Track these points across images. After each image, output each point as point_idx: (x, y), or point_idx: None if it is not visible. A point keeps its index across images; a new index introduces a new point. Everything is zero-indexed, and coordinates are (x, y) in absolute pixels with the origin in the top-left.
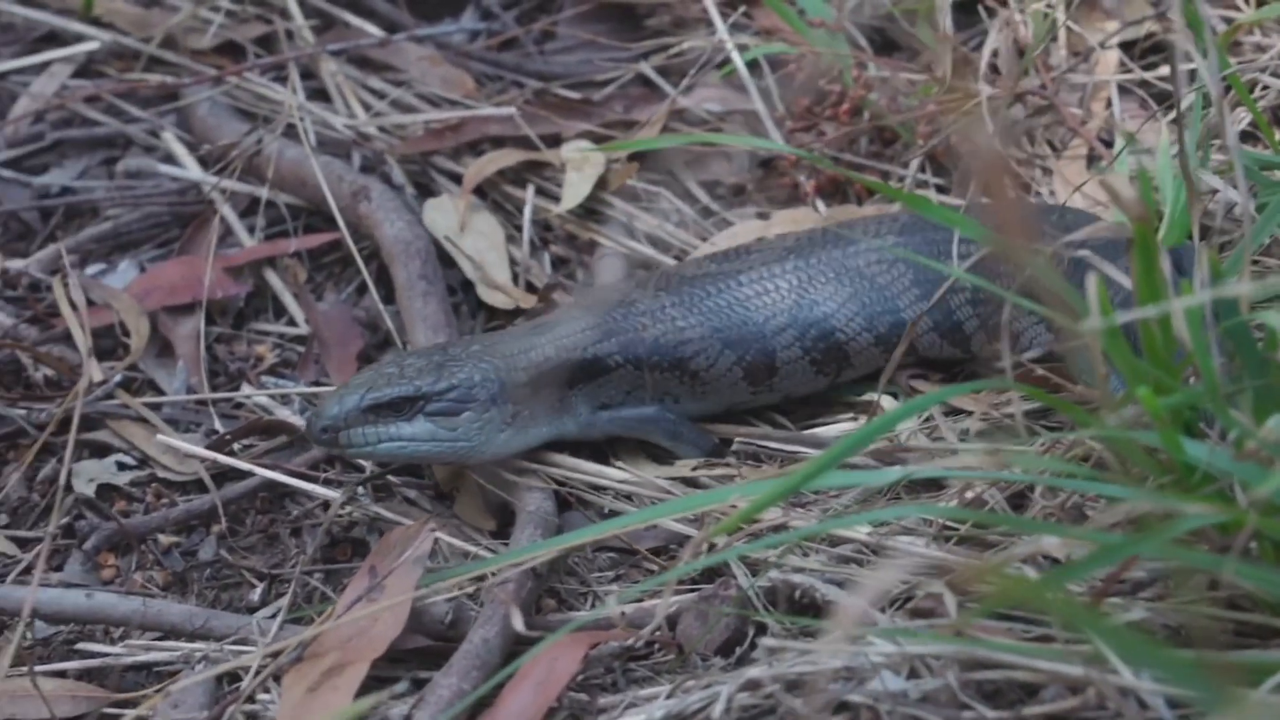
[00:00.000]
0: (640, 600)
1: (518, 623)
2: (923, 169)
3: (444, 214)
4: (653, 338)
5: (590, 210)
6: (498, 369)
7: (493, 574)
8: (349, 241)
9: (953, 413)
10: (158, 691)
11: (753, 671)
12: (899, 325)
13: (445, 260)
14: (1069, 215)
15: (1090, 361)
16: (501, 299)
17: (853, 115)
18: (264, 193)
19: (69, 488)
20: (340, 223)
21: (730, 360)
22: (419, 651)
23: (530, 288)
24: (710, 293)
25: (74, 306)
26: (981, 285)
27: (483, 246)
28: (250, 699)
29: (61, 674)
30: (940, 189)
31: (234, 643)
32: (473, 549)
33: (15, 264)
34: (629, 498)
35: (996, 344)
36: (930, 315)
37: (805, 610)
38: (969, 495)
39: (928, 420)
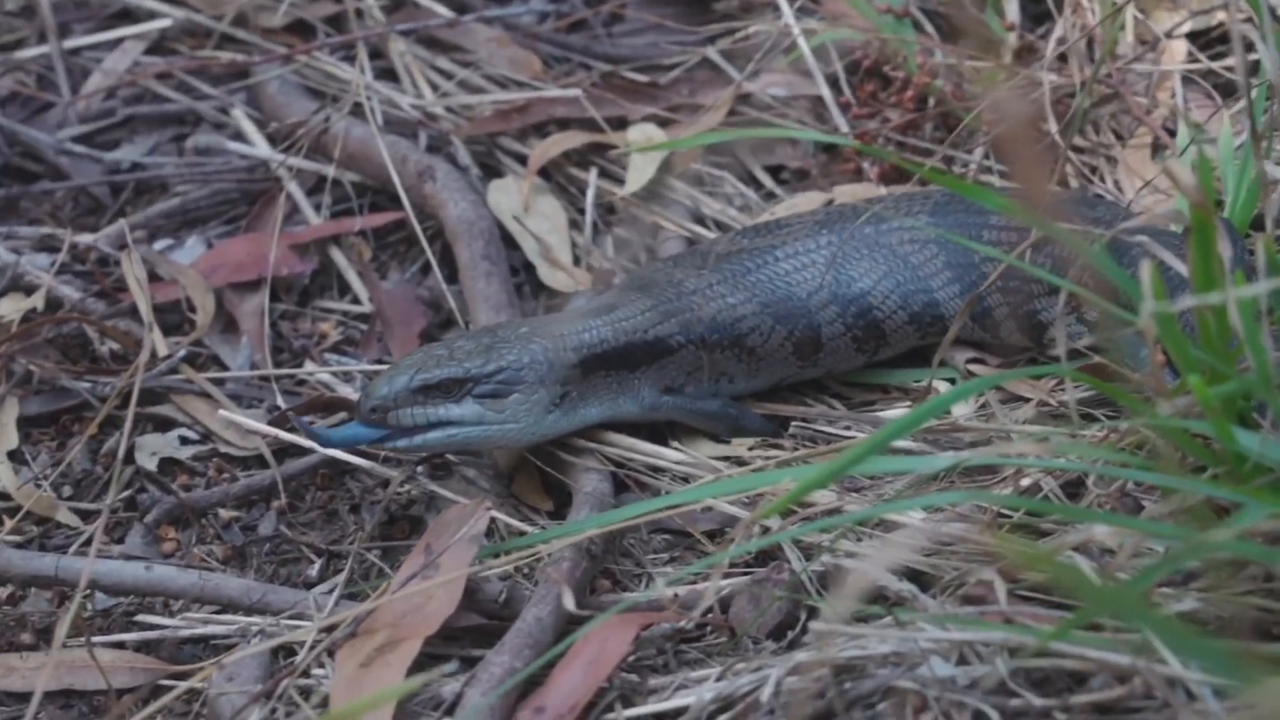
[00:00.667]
0: (694, 582)
1: (569, 602)
2: (986, 156)
3: (508, 195)
4: (709, 316)
5: (654, 193)
6: (546, 350)
7: (548, 554)
8: (413, 221)
9: (1011, 399)
10: (213, 664)
11: (801, 655)
12: (932, 305)
13: (508, 241)
14: (1100, 206)
15: (1143, 349)
16: (563, 280)
17: (917, 101)
18: (330, 171)
19: (132, 461)
20: (405, 202)
21: (781, 336)
22: (472, 629)
23: (593, 272)
24: (751, 268)
25: (140, 282)
26: (1026, 271)
27: (545, 229)
28: (305, 673)
29: (120, 645)
30: (1004, 175)
31: (290, 617)
32: (529, 529)
33: (84, 238)
34: (686, 479)
35: (1023, 332)
36: (961, 297)
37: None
38: (1024, 482)
39: (984, 407)
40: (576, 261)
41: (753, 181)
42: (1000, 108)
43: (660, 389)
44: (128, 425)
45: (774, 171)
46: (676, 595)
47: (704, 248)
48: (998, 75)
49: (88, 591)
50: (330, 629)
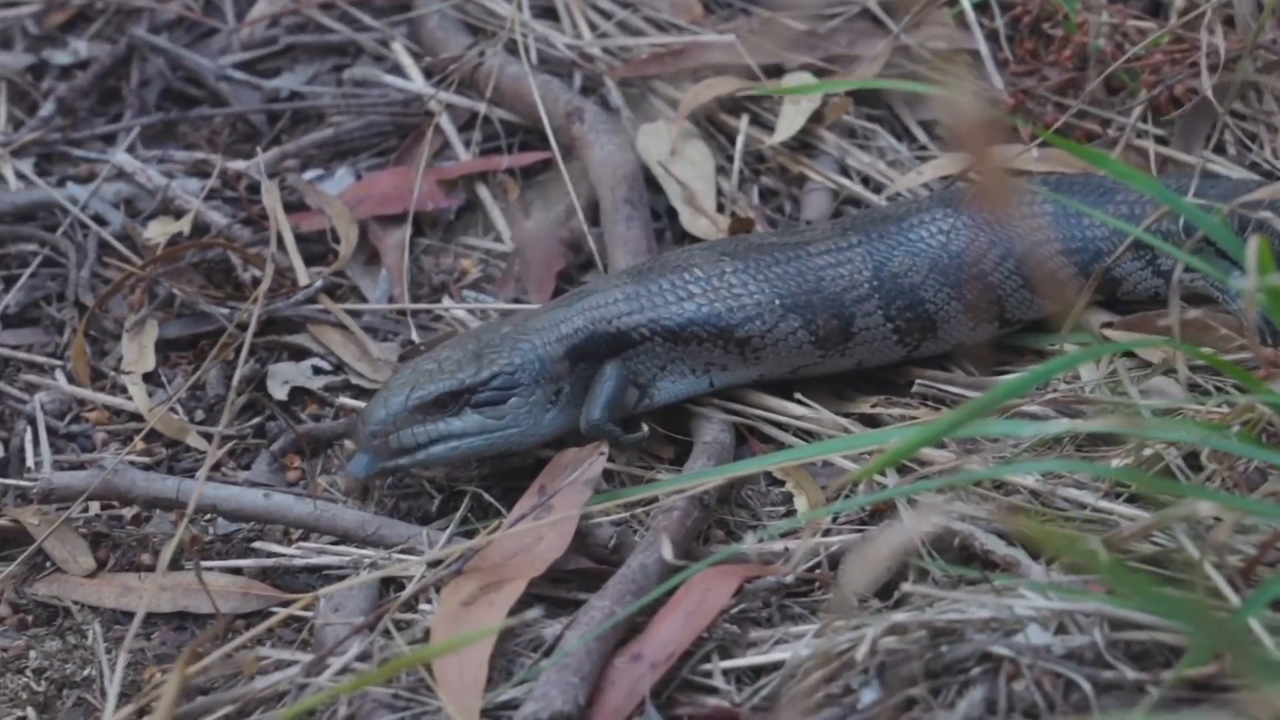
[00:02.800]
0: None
1: (667, 552)
2: (1144, 119)
3: (657, 139)
4: (692, 309)
5: (804, 143)
6: (535, 348)
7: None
8: (559, 162)
9: (1142, 366)
10: (312, 595)
11: (898, 616)
12: (989, 289)
13: (653, 186)
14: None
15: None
16: (705, 226)
17: (1076, 60)
18: (482, 108)
19: (264, 388)
20: (553, 142)
21: (794, 325)
22: (581, 573)
23: (735, 219)
24: (780, 259)
25: (274, 211)
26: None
27: (691, 175)
28: (410, 608)
29: (237, 571)
30: (1160, 140)
31: (402, 552)
32: (647, 475)
33: (237, 165)
34: (809, 434)
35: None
36: (1021, 272)
37: (970, 559)
38: (1146, 452)
39: (1114, 374)
40: (720, 209)
41: (907, 136)
42: (953, 99)
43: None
44: (244, 352)
45: (928, 126)
46: (787, 549)
47: (742, 238)
48: (1162, 39)
49: (210, 516)
50: (437, 564)
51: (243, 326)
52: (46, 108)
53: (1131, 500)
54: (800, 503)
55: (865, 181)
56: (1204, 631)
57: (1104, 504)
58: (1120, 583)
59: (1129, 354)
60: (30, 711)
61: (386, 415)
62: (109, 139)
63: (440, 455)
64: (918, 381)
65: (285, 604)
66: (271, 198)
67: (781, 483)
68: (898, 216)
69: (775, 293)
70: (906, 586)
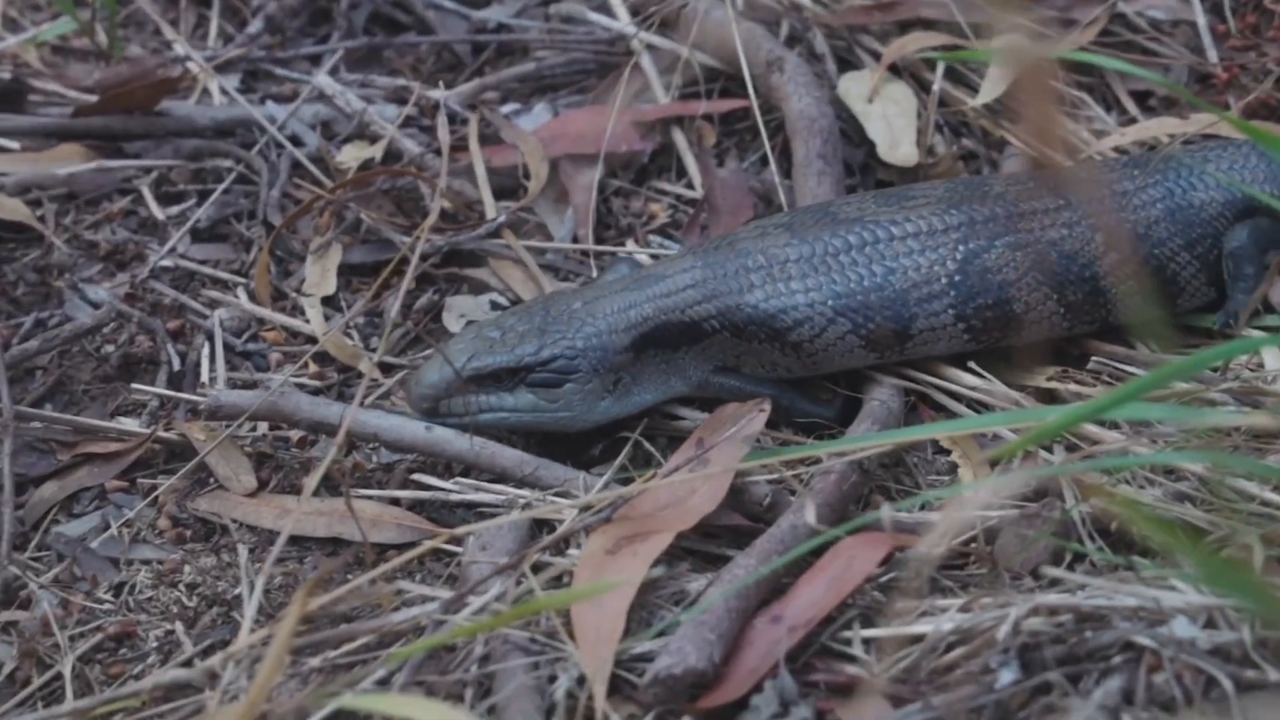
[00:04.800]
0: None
1: (810, 517)
2: None
3: (858, 83)
4: (752, 303)
5: (1008, 107)
6: (600, 334)
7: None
8: (756, 111)
9: None
10: (449, 533)
11: (1043, 598)
12: (1097, 293)
13: (849, 140)
14: None
15: None
16: (905, 154)
17: None
18: (684, 51)
19: (441, 320)
20: (750, 91)
21: (843, 329)
22: (733, 529)
23: (933, 155)
24: (853, 244)
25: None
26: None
27: (893, 112)
28: (560, 552)
29: (395, 502)
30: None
31: (557, 494)
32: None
33: (436, 94)
34: (982, 405)
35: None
36: (1124, 266)
37: (1129, 545)
38: None
39: None
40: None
41: (1117, 106)
42: (1014, 53)
43: (710, 368)
44: (405, 281)
45: (1140, 97)
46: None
47: (834, 207)
48: None
49: (374, 445)
50: (589, 509)
51: (423, 256)
52: (255, 25)
53: None
54: (964, 473)
55: (1066, 150)
56: None
57: (1272, 496)
58: (1209, 572)
59: None
60: (179, 625)
61: (440, 380)
62: (314, 60)
63: (487, 423)
64: (1094, 358)
65: (435, 537)
66: (442, 131)
67: (948, 451)
68: (1008, 199)
69: (831, 291)
70: (1051, 570)
